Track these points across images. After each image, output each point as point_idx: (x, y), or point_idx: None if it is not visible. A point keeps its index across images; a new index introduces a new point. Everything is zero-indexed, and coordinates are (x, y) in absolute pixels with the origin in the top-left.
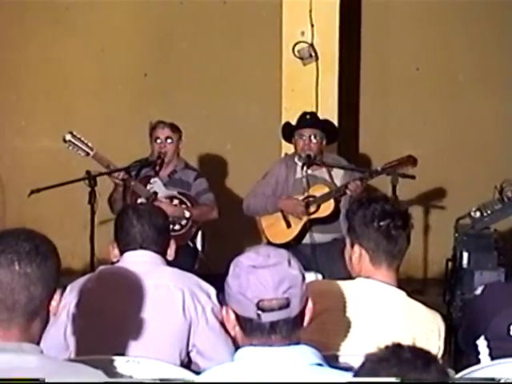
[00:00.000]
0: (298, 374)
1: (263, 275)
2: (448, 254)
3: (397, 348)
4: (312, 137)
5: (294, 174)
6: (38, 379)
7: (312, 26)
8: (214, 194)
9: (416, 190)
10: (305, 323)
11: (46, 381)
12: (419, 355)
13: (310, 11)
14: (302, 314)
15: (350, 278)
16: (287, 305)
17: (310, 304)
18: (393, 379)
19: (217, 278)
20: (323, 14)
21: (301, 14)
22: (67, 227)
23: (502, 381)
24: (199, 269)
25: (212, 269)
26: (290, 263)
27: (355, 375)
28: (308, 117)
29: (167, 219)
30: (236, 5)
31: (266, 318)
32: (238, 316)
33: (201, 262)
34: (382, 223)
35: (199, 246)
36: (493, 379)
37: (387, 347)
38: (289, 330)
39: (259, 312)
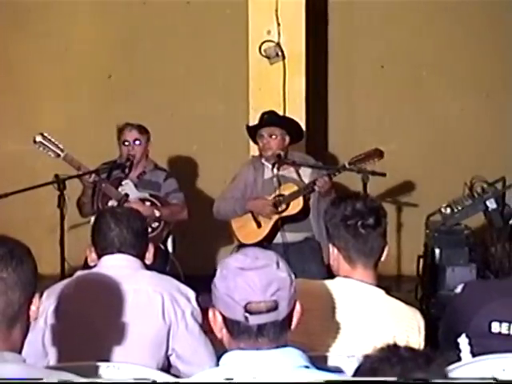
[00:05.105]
0: (286, 376)
1: (251, 277)
2: (419, 251)
3: (394, 348)
4: (271, 135)
5: (263, 175)
6: (39, 379)
7: (278, 24)
8: (183, 194)
9: (385, 187)
10: (292, 326)
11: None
12: (419, 353)
13: (276, 10)
14: (289, 316)
15: (326, 276)
16: (275, 307)
17: (297, 307)
18: (393, 378)
19: (188, 280)
20: (289, 13)
21: (267, 13)
22: (33, 232)
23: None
24: (170, 270)
25: (183, 270)
26: (278, 265)
27: (354, 375)
28: (266, 116)
29: (145, 222)
30: (200, 5)
31: (254, 320)
32: (225, 318)
33: (172, 264)
34: (349, 222)
35: (170, 248)
36: (495, 379)
37: (384, 348)
38: (276, 333)
39: (247, 315)
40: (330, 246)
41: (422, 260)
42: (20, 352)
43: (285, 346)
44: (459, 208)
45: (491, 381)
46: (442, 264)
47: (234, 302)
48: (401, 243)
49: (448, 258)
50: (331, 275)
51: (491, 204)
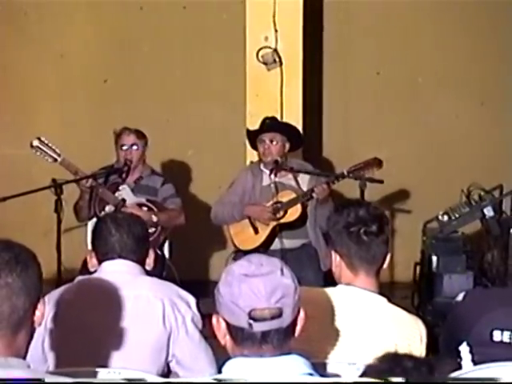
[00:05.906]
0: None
1: (255, 284)
2: (414, 257)
3: (396, 357)
4: (272, 141)
5: (261, 181)
6: (38, 379)
7: (276, 31)
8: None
9: (381, 194)
10: (296, 333)
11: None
12: (422, 362)
13: (274, 16)
14: (293, 323)
15: (323, 283)
16: (279, 314)
17: (302, 313)
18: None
19: (183, 285)
20: (287, 19)
21: (264, 19)
22: (28, 235)
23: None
24: (167, 275)
25: (178, 275)
26: (282, 272)
27: None
28: (267, 121)
29: (146, 228)
30: (196, 10)
31: (258, 327)
32: (229, 325)
33: (168, 269)
34: (352, 229)
35: (167, 253)
36: (494, 379)
37: (385, 357)
38: (280, 340)
39: (251, 321)
40: (333, 252)
41: (418, 267)
42: (24, 357)
43: (288, 353)
44: (456, 215)
45: (491, 381)
46: (438, 271)
47: (238, 308)
48: (394, 250)
49: (445, 266)
50: (328, 282)
51: (489, 212)
